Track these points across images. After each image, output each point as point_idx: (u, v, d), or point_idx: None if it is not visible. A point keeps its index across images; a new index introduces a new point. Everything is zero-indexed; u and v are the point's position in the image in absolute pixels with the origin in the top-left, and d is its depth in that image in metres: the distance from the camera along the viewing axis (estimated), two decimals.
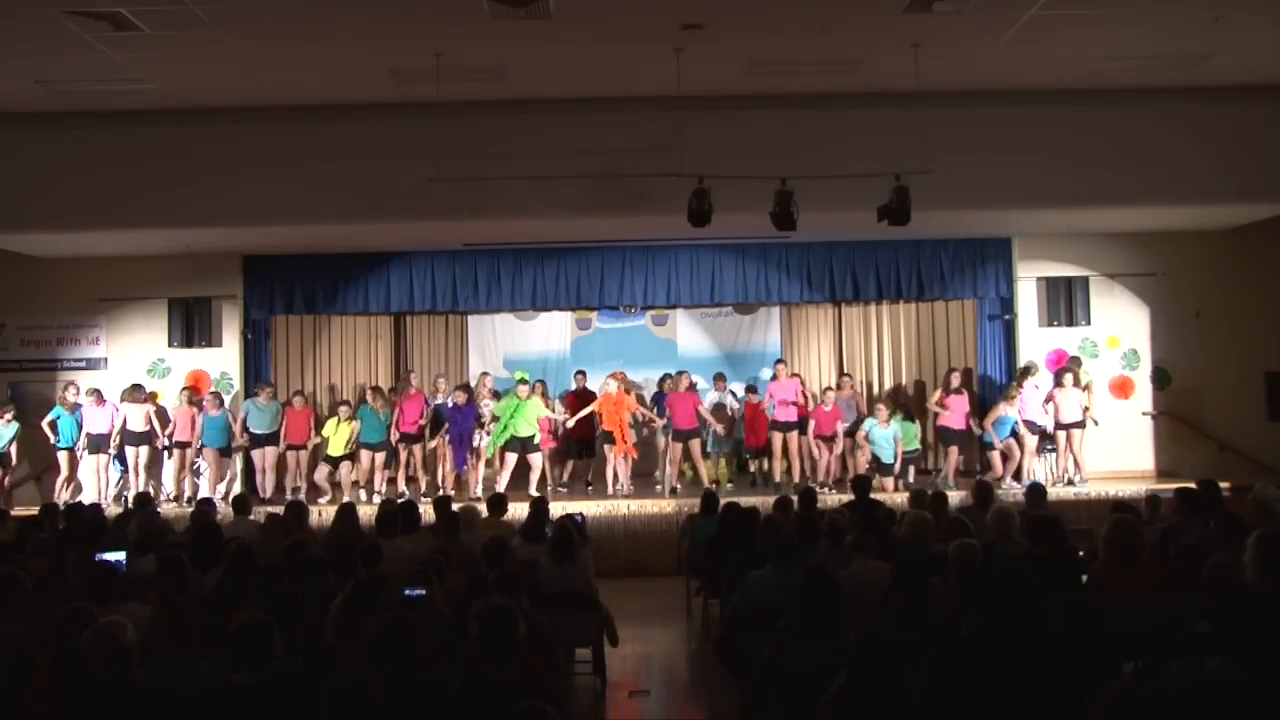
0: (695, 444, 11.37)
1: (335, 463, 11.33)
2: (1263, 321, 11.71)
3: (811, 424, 11.31)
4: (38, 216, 9.98)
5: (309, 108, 9.76)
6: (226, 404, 11.42)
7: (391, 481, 11.52)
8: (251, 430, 11.31)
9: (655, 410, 11.75)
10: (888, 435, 11.11)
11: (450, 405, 11.36)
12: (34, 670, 3.80)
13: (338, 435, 11.29)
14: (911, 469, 11.38)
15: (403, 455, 11.46)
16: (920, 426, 11.86)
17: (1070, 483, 11.02)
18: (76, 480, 11.16)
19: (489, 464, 11.49)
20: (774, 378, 11.62)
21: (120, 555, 5.91)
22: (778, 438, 11.34)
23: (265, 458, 11.36)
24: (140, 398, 11.28)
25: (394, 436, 11.33)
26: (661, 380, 12.36)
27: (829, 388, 11.83)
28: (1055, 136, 9.88)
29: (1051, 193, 10.00)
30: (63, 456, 11.09)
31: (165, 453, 11.52)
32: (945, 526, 6.27)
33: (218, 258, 11.71)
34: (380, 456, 11.37)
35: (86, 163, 9.89)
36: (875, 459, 11.14)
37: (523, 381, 11.26)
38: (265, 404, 11.40)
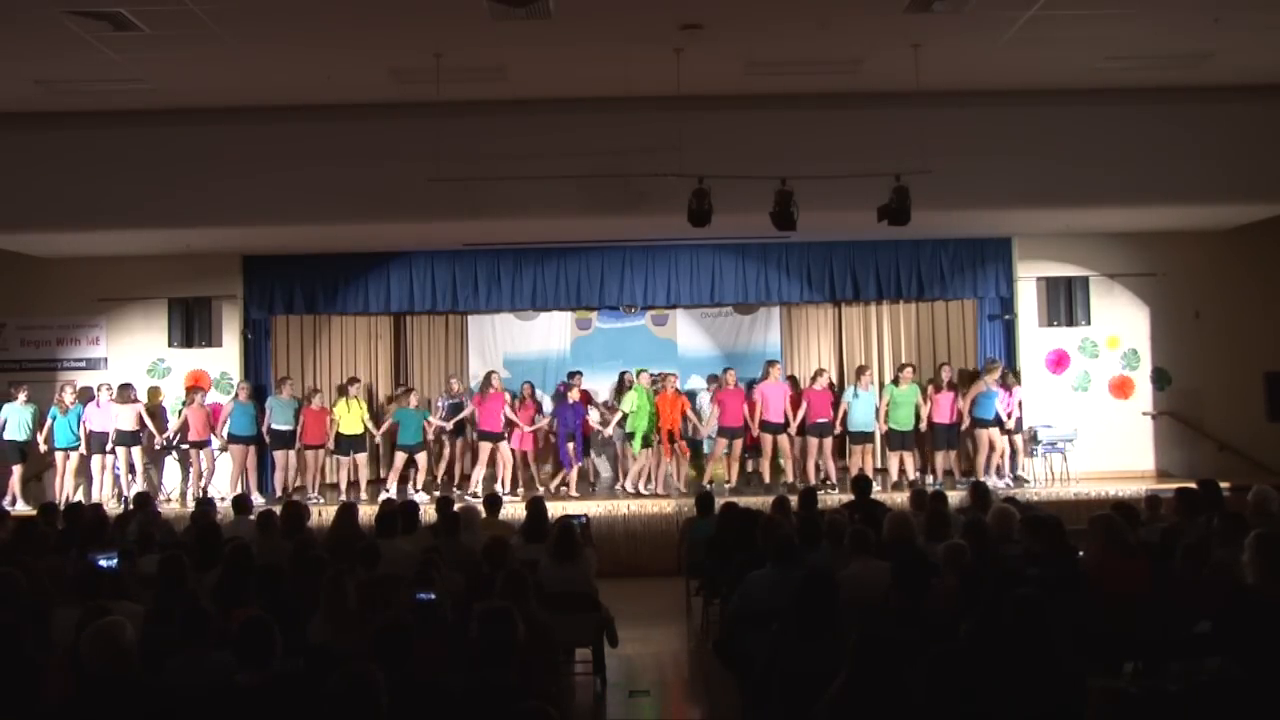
0: (738, 443, 11.36)
1: (349, 447, 11.34)
2: (1262, 321, 11.72)
3: (804, 407, 11.29)
4: (38, 216, 9.98)
5: (309, 108, 9.76)
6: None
7: (460, 481, 11.62)
8: (274, 427, 11.34)
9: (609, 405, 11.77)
10: (869, 398, 11.19)
11: (566, 403, 11.43)
12: (39, 670, 3.81)
13: (350, 414, 11.34)
14: (909, 457, 11.28)
15: (484, 454, 11.37)
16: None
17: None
18: (77, 479, 11.15)
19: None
20: (764, 377, 11.60)
21: (112, 558, 5.86)
22: (767, 439, 11.35)
23: (287, 456, 11.40)
24: (131, 397, 11.28)
25: (429, 435, 11.47)
26: (622, 375, 12.36)
27: (821, 370, 11.85)
28: (1055, 136, 9.88)
29: (1051, 193, 9.99)
30: (59, 457, 11.09)
31: (173, 452, 11.55)
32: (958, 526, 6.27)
33: (218, 258, 11.71)
34: (420, 458, 11.42)
35: (86, 163, 9.88)
36: (851, 433, 11.21)
37: (641, 373, 11.36)
38: (287, 400, 11.45)
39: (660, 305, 12.83)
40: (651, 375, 11.50)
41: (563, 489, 11.33)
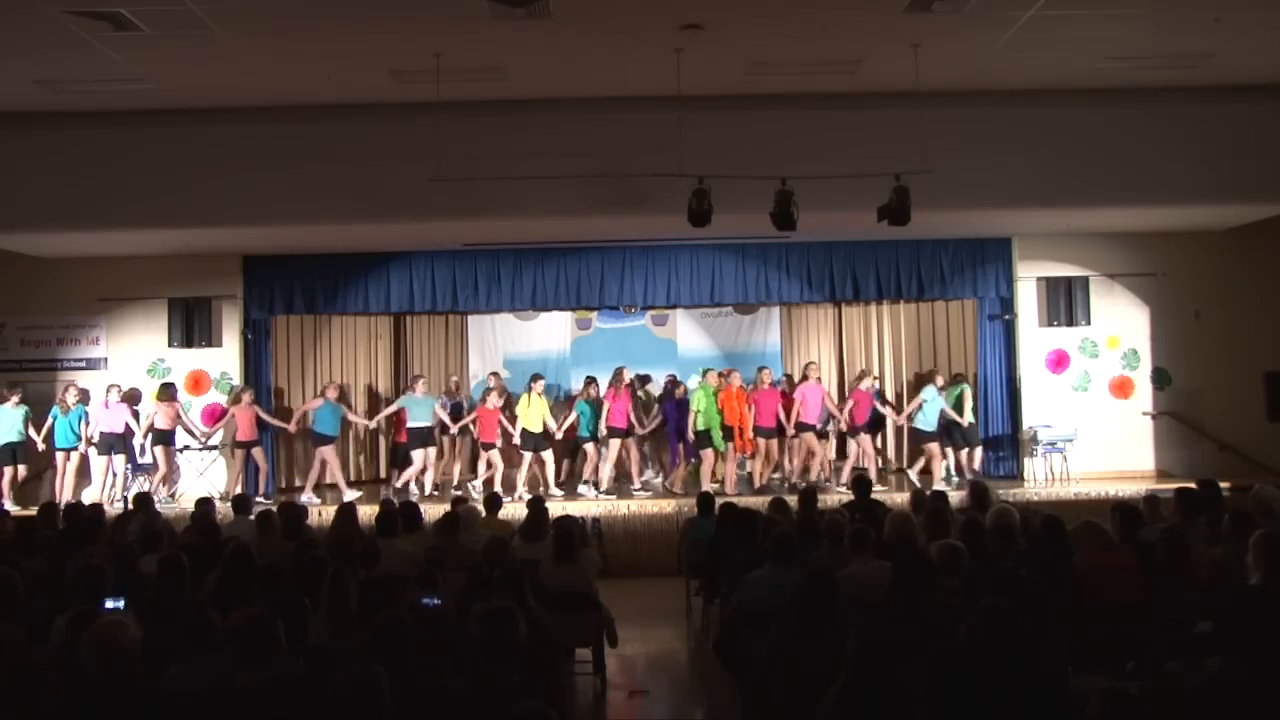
0: (773, 444, 11.49)
1: (536, 443, 11.22)
2: (1262, 321, 11.72)
3: (850, 406, 11.50)
4: (38, 216, 9.98)
5: (309, 108, 9.76)
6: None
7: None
8: (411, 425, 11.32)
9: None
10: (939, 399, 11.36)
11: (673, 400, 11.44)
12: (35, 671, 3.80)
13: (531, 410, 11.22)
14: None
15: (613, 451, 11.35)
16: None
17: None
18: (78, 480, 11.15)
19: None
20: (804, 378, 11.68)
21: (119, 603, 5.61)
22: (805, 440, 11.43)
23: (426, 454, 11.38)
24: (170, 396, 11.32)
25: (602, 430, 11.33)
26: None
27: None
28: (1055, 136, 9.88)
29: (1051, 193, 10.00)
30: (59, 458, 11.09)
31: (215, 451, 11.66)
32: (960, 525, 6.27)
33: (218, 258, 11.71)
34: (593, 449, 11.40)
35: (86, 163, 9.88)
36: (918, 431, 11.44)
37: (707, 373, 11.35)
38: (423, 397, 11.45)
39: (660, 305, 12.84)
40: (718, 373, 11.51)
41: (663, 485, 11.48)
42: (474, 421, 11.64)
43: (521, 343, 14.32)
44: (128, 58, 8.40)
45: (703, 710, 6.51)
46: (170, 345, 11.94)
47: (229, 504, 9.24)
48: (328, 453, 11.29)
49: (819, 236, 11.37)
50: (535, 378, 11.59)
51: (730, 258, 11.86)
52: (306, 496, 10.93)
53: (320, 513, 10.06)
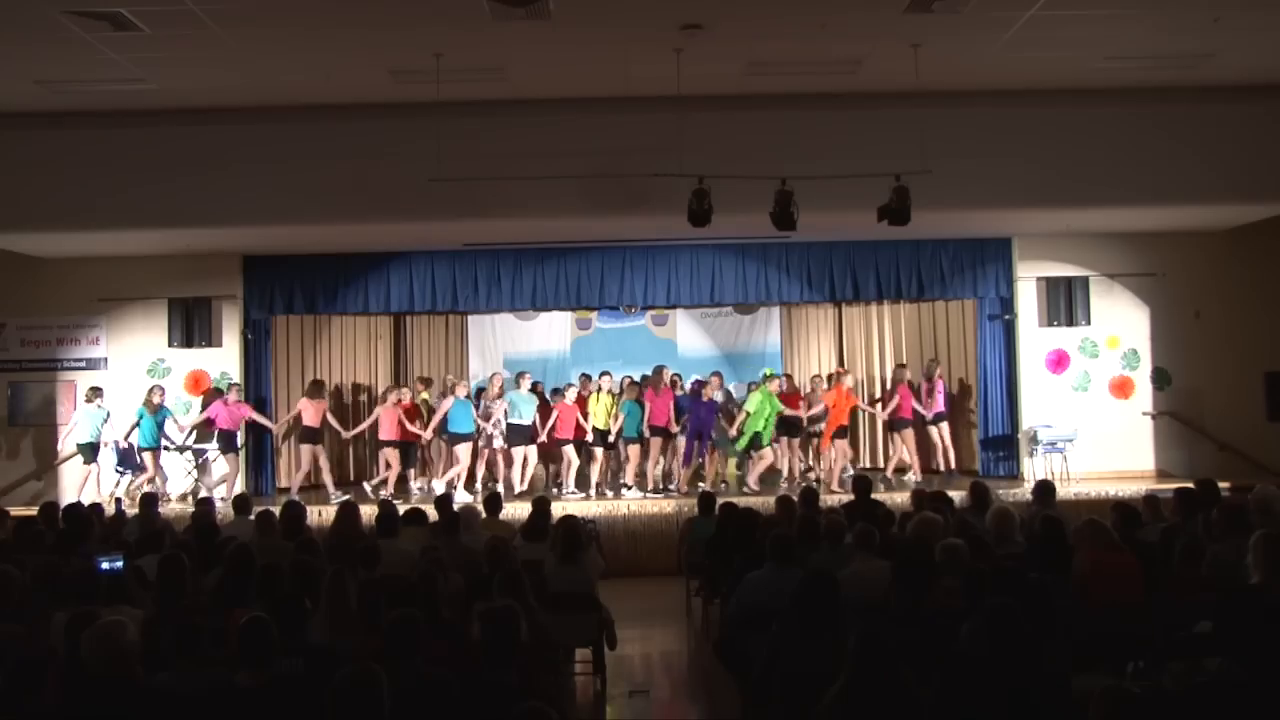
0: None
1: (605, 439, 11.17)
2: (1262, 321, 11.72)
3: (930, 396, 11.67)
4: (38, 216, 9.98)
5: (309, 108, 9.77)
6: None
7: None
8: (512, 422, 11.24)
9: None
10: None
11: (700, 401, 11.45)
12: (37, 670, 3.80)
13: (599, 406, 11.23)
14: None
15: (655, 449, 11.38)
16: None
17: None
18: (157, 479, 11.21)
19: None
20: (930, 377, 11.87)
21: (116, 560, 5.79)
22: (933, 430, 11.75)
23: (525, 452, 11.31)
24: (321, 394, 11.44)
25: (646, 430, 11.31)
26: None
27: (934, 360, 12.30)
28: (1055, 136, 9.89)
29: (1051, 193, 10.00)
30: (146, 457, 11.14)
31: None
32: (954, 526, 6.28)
33: (218, 258, 11.71)
34: (637, 449, 11.39)
35: (86, 163, 9.89)
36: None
37: (771, 376, 11.31)
38: (528, 394, 11.37)
39: (660, 305, 12.84)
40: (771, 375, 11.55)
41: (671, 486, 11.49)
42: (555, 419, 11.44)
43: (521, 343, 14.34)
44: (128, 58, 8.40)
45: (703, 710, 6.51)
46: (170, 345, 11.93)
47: (229, 504, 9.24)
48: (465, 450, 11.23)
49: (819, 236, 11.37)
50: (603, 374, 11.58)
51: (730, 258, 11.85)
52: (459, 494, 10.69)
53: (320, 512, 10.05)
